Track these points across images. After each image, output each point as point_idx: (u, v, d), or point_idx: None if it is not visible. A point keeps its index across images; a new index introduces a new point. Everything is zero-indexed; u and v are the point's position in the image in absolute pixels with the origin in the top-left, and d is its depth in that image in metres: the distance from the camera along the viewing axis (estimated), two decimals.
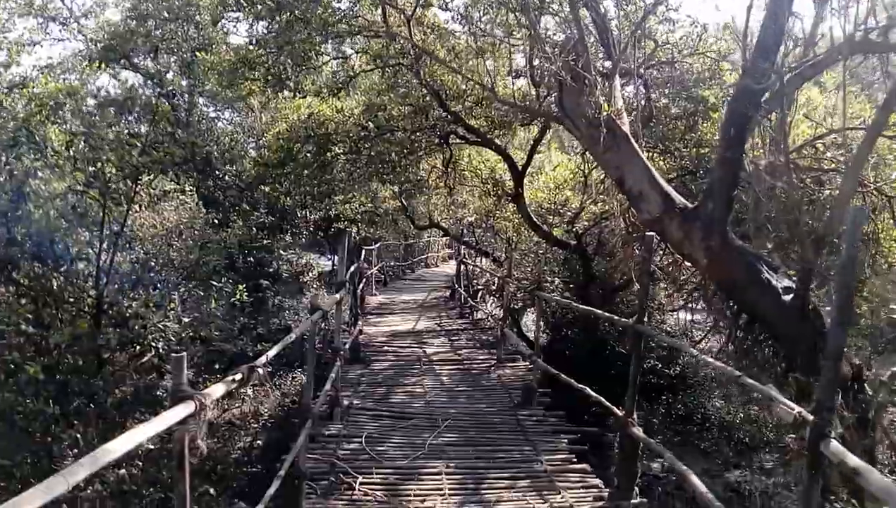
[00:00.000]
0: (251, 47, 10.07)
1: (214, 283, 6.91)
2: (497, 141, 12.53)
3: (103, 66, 18.96)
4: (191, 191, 13.59)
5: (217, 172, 18.54)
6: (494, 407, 7.90)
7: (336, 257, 24.32)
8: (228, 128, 20.76)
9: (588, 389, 6.08)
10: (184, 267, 9.67)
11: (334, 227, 20.79)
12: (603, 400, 5.74)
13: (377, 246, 20.69)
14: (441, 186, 15.20)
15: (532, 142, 12.41)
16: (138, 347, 6.41)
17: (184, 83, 18.76)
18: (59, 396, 5.44)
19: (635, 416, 5.19)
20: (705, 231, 5.34)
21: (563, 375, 6.91)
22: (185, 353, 2.76)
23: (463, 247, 19.27)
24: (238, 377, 3.12)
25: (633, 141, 5.90)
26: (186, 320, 6.39)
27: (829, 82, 8.82)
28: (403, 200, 18.91)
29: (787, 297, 5.09)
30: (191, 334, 6.27)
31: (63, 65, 18.24)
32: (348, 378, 9.17)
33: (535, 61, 7.91)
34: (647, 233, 5.31)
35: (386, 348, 11.19)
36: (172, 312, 6.40)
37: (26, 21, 17.75)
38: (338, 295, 6.63)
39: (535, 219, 12.61)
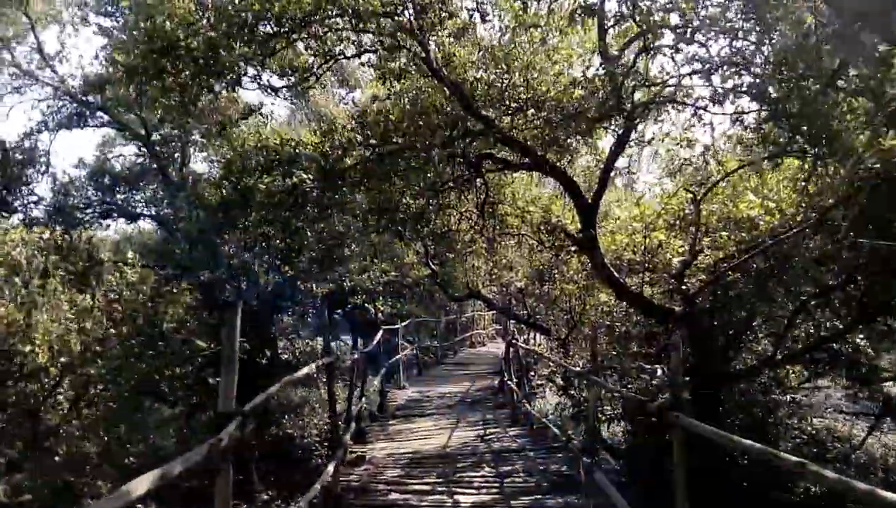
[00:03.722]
0: (173, 25, 6.44)
1: None
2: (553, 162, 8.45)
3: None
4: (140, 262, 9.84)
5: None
6: None
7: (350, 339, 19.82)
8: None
9: None
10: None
11: (350, 302, 16.88)
12: None
13: (404, 324, 16.54)
14: (477, 239, 11.11)
15: (608, 155, 8.16)
16: None
17: (169, 132, 15.67)
18: None
19: None
20: None
21: None
22: None
23: (512, 322, 14.92)
24: None
25: None
26: None
27: None
28: (433, 263, 14.82)
29: None
30: None
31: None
32: None
33: None
34: None
35: (394, 494, 6.82)
36: None
37: None
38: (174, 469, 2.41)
39: (617, 276, 8.30)
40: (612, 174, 8.46)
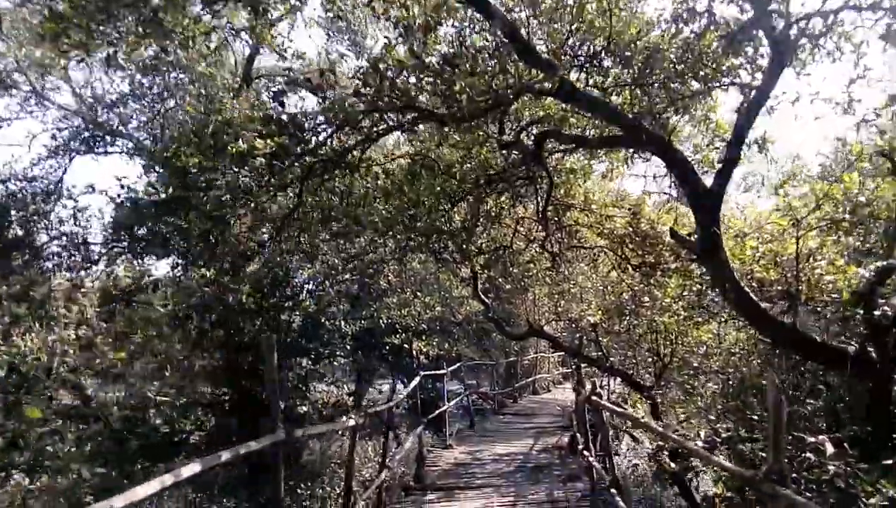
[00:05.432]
0: None
1: None
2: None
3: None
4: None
5: None
6: None
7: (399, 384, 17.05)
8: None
9: None
10: None
11: (388, 343, 14.37)
12: None
13: (453, 368, 13.84)
14: (537, 260, 8.45)
15: (739, 116, 5.30)
16: None
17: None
18: None
19: None
20: None
21: None
22: None
23: (584, 366, 11.99)
24: None
25: None
26: None
27: None
28: (486, 296, 12.15)
29: None
30: None
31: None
32: None
33: None
34: None
35: None
36: None
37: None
38: None
39: (756, 299, 5.45)
40: (744, 150, 5.63)
